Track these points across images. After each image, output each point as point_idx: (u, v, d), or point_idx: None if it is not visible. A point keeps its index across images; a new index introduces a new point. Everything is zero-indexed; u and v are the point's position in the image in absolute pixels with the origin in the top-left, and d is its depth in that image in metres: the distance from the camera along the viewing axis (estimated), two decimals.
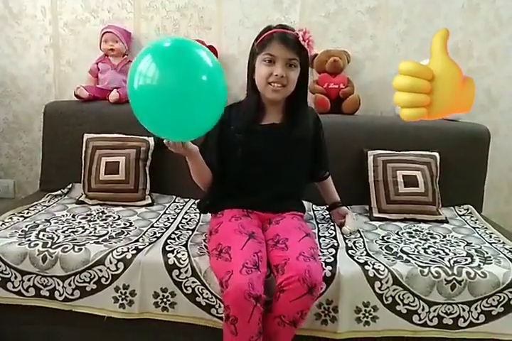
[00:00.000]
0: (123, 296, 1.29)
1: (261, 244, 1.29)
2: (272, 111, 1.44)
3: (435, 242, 1.50)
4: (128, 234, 1.46)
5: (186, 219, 1.63)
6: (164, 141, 1.23)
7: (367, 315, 1.27)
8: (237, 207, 1.43)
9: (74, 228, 1.48)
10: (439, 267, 1.30)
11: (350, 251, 1.38)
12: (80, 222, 1.54)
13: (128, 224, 1.55)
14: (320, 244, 1.44)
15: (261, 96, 1.42)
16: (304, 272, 1.14)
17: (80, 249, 1.32)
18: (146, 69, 1.04)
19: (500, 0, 1.99)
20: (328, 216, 1.68)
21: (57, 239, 1.39)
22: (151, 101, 1.06)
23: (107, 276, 1.29)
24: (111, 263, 1.29)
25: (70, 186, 1.87)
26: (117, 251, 1.31)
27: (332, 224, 1.61)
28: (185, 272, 1.28)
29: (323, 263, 1.28)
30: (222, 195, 1.44)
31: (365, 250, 1.41)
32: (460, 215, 1.80)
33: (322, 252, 1.37)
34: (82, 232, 1.45)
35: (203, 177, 1.41)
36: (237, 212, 1.41)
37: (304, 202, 1.60)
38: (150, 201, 1.77)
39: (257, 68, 1.38)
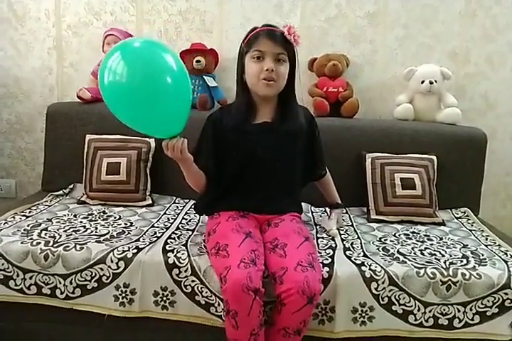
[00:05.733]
0: (123, 295, 1.31)
1: (258, 243, 1.30)
2: (264, 110, 1.44)
3: (432, 244, 1.52)
4: (129, 233, 1.48)
5: (186, 219, 1.64)
6: (162, 144, 1.25)
7: (363, 315, 1.29)
8: (232, 210, 1.44)
9: (75, 227, 1.50)
10: (434, 268, 1.32)
11: (347, 252, 1.40)
12: (81, 222, 1.56)
13: (129, 223, 1.57)
14: (318, 244, 1.46)
15: (251, 96, 1.43)
16: (302, 284, 1.15)
17: (82, 248, 1.34)
18: (115, 66, 1.12)
19: (497, 7, 2.03)
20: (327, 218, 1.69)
21: (59, 237, 1.40)
22: (119, 96, 1.14)
23: (107, 275, 1.31)
24: (112, 262, 1.30)
25: (71, 186, 1.89)
26: (118, 250, 1.33)
27: None
28: (185, 271, 1.30)
29: (321, 265, 1.29)
30: (217, 197, 1.45)
31: (362, 251, 1.42)
32: (457, 218, 1.82)
33: (320, 253, 1.39)
34: (84, 231, 1.47)
35: (197, 182, 1.42)
36: (233, 213, 1.43)
37: (303, 204, 1.61)
38: (150, 201, 1.79)
39: (246, 66, 1.38)
